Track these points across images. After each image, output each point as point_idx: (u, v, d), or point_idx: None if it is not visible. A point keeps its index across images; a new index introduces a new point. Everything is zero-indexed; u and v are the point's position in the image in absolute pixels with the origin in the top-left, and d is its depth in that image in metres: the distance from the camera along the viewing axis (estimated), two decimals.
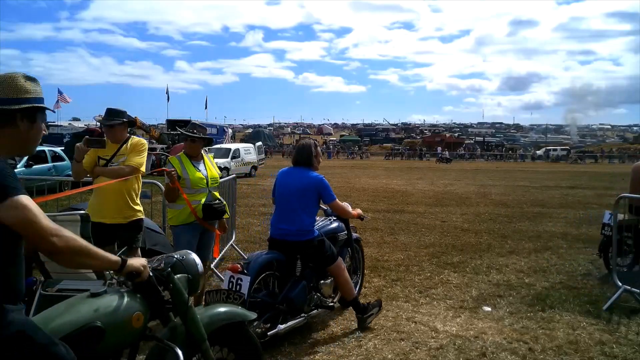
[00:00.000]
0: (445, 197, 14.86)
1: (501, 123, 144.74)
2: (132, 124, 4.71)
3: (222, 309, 2.58)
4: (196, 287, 2.35)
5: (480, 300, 5.02)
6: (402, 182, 20.69)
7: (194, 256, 2.40)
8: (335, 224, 4.54)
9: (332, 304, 4.36)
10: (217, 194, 4.50)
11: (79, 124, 72.60)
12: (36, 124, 1.82)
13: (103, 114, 4.41)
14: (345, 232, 4.57)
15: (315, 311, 4.20)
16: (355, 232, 4.95)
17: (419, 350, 3.79)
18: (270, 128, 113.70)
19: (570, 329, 4.24)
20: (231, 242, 6.75)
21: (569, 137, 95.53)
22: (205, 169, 4.39)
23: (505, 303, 4.94)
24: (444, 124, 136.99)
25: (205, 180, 4.31)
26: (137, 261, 2.00)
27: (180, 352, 2.12)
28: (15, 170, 12.00)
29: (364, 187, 17.84)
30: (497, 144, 69.65)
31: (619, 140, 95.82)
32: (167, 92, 61.93)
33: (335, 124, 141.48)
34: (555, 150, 57.09)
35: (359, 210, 4.47)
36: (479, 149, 59.11)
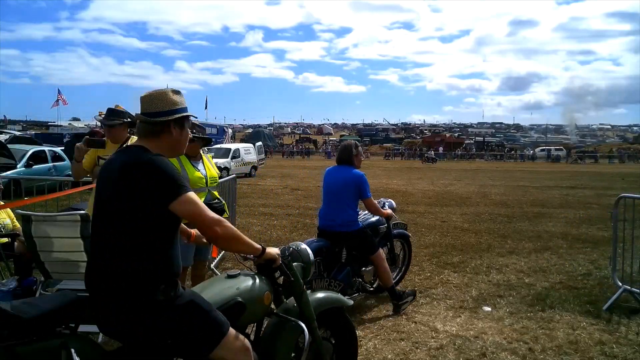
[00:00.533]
0: (445, 197, 14.86)
1: (501, 123, 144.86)
2: (133, 125, 4.72)
3: (326, 295, 2.85)
4: (308, 274, 2.67)
5: (480, 300, 5.02)
6: (402, 182, 20.69)
7: (306, 246, 2.69)
8: (376, 218, 4.90)
9: (372, 289, 4.84)
10: (216, 193, 4.50)
11: (79, 124, 72.64)
12: (185, 130, 2.19)
13: (104, 111, 4.42)
14: (386, 225, 4.97)
15: (356, 294, 4.60)
16: (405, 230, 5.46)
17: (419, 350, 3.79)
18: (270, 128, 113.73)
19: (570, 329, 4.24)
20: None
21: (568, 137, 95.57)
22: (204, 168, 4.39)
23: (505, 303, 4.94)
24: (444, 124, 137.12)
25: (204, 180, 4.31)
26: (273, 250, 2.38)
27: (304, 325, 2.46)
28: (15, 170, 12.06)
29: None
30: (497, 144, 69.67)
31: (619, 140, 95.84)
32: None
33: (335, 124, 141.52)
34: (549, 150, 57.09)
35: (389, 211, 4.88)
36: (474, 149, 59.02)
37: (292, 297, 2.56)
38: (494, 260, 6.79)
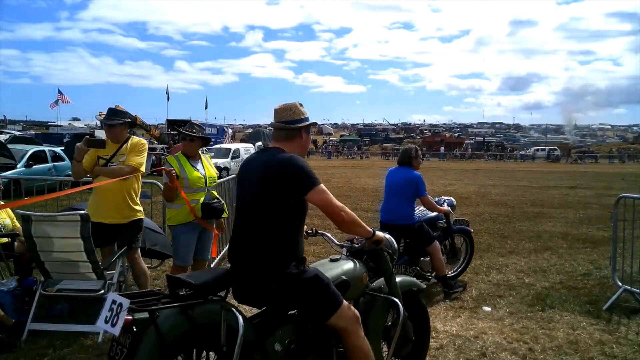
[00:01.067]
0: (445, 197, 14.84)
1: (501, 123, 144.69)
2: (133, 125, 4.72)
3: (403, 278, 3.15)
4: (393, 260, 2.97)
5: (480, 300, 5.02)
6: None
7: (390, 237, 2.91)
8: (434, 214, 5.47)
9: (429, 277, 5.30)
10: (215, 193, 4.50)
11: (79, 124, 72.63)
12: (309, 134, 2.72)
13: (104, 111, 4.43)
14: (444, 221, 5.49)
15: None
16: (467, 226, 5.91)
17: None
18: (270, 128, 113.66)
19: (570, 329, 4.24)
20: None
21: (568, 136, 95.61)
22: (203, 168, 4.40)
23: (505, 303, 4.94)
24: (444, 124, 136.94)
25: (203, 180, 4.31)
26: (380, 234, 2.76)
27: (399, 302, 2.84)
28: (15, 170, 12.05)
29: (364, 187, 17.82)
30: (497, 144, 69.64)
31: (619, 140, 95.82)
32: (167, 92, 61.95)
33: (335, 124, 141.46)
34: (544, 150, 57.17)
35: (447, 208, 5.42)
36: (469, 149, 58.96)
37: (381, 279, 2.97)
38: (494, 260, 6.79)
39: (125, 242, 4.17)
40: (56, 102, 46.02)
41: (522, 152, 57.96)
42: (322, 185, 2.44)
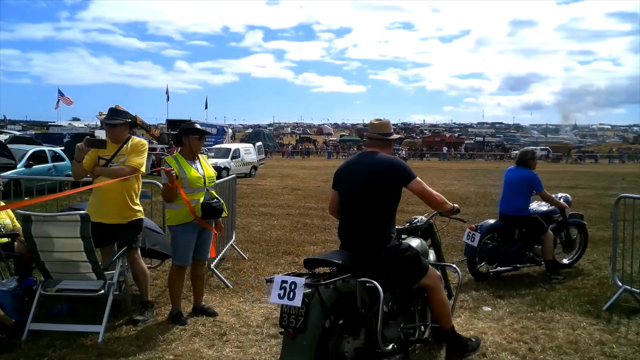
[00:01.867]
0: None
1: (501, 123, 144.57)
2: (134, 125, 4.73)
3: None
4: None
5: (480, 300, 5.02)
6: None
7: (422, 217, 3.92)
8: (549, 208, 6.15)
9: (540, 261, 5.98)
10: (214, 192, 4.50)
11: (79, 124, 72.61)
12: (392, 145, 3.64)
13: (105, 111, 4.43)
14: (559, 215, 6.16)
15: (527, 265, 6.05)
16: (582, 219, 6.57)
17: (418, 350, 3.79)
18: (270, 128, 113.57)
19: (570, 329, 4.24)
20: (231, 242, 6.75)
21: (567, 137, 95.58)
22: (201, 168, 4.40)
23: (505, 303, 4.94)
24: (444, 124, 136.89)
25: (202, 179, 4.31)
26: (457, 205, 3.53)
27: (458, 269, 3.95)
28: (15, 170, 12.05)
29: None
30: (497, 144, 69.62)
31: (619, 140, 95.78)
32: (167, 92, 61.95)
33: (335, 124, 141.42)
34: (535, 150, 57.18)
35: (563, 203, 6.09)
36: (463, 149, 58.97)
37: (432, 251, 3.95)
38: None
39: (125, 242, 4.17)
40: (58, 102, 46.05)
41: (514, 151, 58.20)
42: (418, 178, 3.27)
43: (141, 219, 4.33)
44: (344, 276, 2.90)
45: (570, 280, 5.80)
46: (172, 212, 4.27)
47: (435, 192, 3.36)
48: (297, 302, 2.64)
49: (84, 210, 4.00)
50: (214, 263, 5.58)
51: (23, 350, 3.59)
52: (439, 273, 3.47)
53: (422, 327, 3.53)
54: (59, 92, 46.34)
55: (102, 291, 3.87)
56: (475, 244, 5.65)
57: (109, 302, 3.87)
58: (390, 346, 3.11)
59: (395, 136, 3.57)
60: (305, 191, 16.13)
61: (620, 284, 4.91)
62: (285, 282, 2.70)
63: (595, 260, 6.72)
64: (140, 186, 4.39)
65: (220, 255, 6.12)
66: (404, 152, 47.09)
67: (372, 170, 3.24)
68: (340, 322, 3.00)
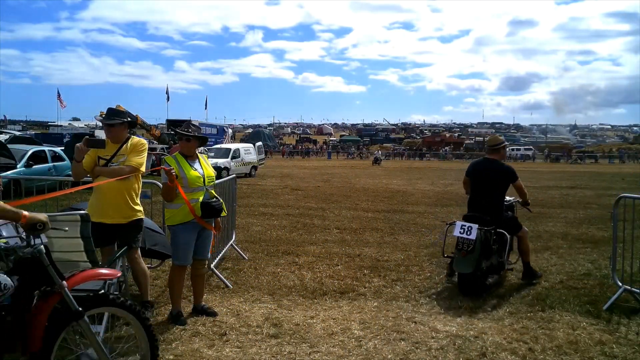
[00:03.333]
0: (445, 197, 14.87)
1: (501, 123, 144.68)
2: (133, 125, 4.72)
3: None
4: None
5: (480, 300, 5.02)
6: (402, 182, 20.70)
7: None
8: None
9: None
10: (213, 192, 4.50)
11: (79, 124, 72.63)
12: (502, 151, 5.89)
13: (105, 111, 4.43)
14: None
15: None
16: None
17: (419, 350, 3.79)
18: (270, 128, 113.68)
19: (570, 329, 4.24)
20: (231, 242, 6.75)
21: (565, 136, 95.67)
22: (201, 167, 4.40)
23: (505, 303, 4.94)
24: (444, 124, 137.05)
25: (202, 179, 4.31)
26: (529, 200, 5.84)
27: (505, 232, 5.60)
28: (15, 170, 12.05)
29: (364, 187, 17.84)
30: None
31: (619, 140, 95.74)
32: (167, 92, 62.05)
33: (335, 124, 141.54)
34: (518, 149, 57.78)
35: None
36: (448, 151, 58.84)
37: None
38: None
39: (125, 242, 4.17)
40: (61, 102, 46.23)
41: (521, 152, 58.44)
42: (519, 179, 5.50)
43: (141, 219, 4.33)
44: (491, 227, 5.28)
45: (570, 280, 5.80)
46: (172, 212, 4.27)
47: (524, 188, 5.73)
48: (473, 236, 5.07)
49: (84, 210, 4.00)
50: (214, 263, 5.58)
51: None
52: (527, 229, 5.63)
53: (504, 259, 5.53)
54: (58, 93, 46.46)
55: (102, 291, 3.86)
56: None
57: None
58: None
59: (501, 145, 5.68)
60: (305, 191, 16.13)
61: (620, 284, 4.91)
62: (464, 225, 5.17)
63: (595, 260, 6.72)
64: (141, 186, 4.39)
65: (220, 255, 6.12)
66: (379, 153, 46.29)
67: (498, 172, 5.52)
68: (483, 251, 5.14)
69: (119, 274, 3.14)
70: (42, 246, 2.57)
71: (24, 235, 2.63)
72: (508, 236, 5.43)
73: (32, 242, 2.56)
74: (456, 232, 5.20)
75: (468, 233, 5.12)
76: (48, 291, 2.63)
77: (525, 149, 58.16)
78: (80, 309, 2.67)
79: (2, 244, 2.59)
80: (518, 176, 5.45)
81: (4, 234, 2.94)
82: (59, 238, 3.75)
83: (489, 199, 5.46)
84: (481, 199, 5.51)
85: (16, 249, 2.56)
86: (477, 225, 5.12)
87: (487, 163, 5.64)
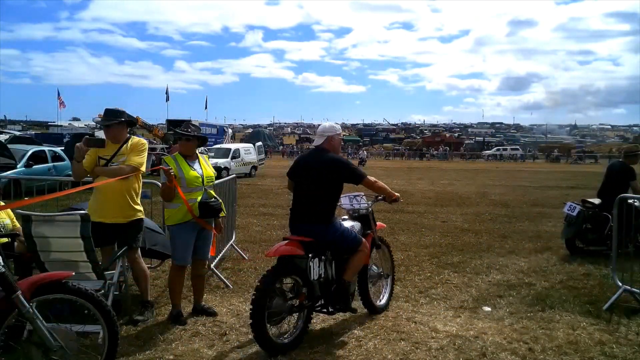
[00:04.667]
0: (445, 197, 14.86)
1: (501, 123, 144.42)
2: (132, 124, 4.72)
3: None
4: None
5: (480, 300, 5.02)
6: (402, 182, 20.68)
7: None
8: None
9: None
10: (212, 192, 4.50)
11: (79, 124, 72.56)
12: None
13: (102, 113, 4.43)
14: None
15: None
16: None
17: (419, 350, 3.79)
18: (270, 128, 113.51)
19: (570, 329, 4.24)
20: (231, 242, 6.75)
21: (565, 136, 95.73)
22: (200, 167, 4.40)
23: (505, 303, 4.94)
24: (444, 124, 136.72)
25: (200, 179, 4.32)
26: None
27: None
28: (15, 170, 12.04)
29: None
30: (497, 144, 69.61)
31: (619, 140, 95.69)
32: (167, 92, 61.89)
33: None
34: (505, 149, 57.84)
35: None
36: (446, 150, 58.46)
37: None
38: (494, 260, 6.79)
39: (125, 242, 4.17)
40: (61, 102, 46.27)
41: (487, 151, 58.53)
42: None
43: (142, 219, 4.33)
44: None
45: (570, 280, 5.80)
46: (171, 211, 4.28)
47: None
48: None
49: (84, 210, 4.00)
50: (214, 263, 5.57)
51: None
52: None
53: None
54: (58, 94, 46.49)
55: (102, 291, 3.86)
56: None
57: (109, 302, 3.87)
58: None
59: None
60: None
61: (620, 284, 4.91)
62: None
63: (595, 260, 6.72)
64: (141, 186, 4.39)
65: (220, 255, 6.12)
66: (364, 153, 45.13)
67: None
68: None
69: (72, 274, 3.13)
70: None
71: None
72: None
73: None
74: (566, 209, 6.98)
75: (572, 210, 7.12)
76: None
77: (512, 149, 57.88)
78: (20, 290, 2.71)
79: None
80: None
81: None
82: (59, 238, 3.76)
83: None
84: None
85: None
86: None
87: None
